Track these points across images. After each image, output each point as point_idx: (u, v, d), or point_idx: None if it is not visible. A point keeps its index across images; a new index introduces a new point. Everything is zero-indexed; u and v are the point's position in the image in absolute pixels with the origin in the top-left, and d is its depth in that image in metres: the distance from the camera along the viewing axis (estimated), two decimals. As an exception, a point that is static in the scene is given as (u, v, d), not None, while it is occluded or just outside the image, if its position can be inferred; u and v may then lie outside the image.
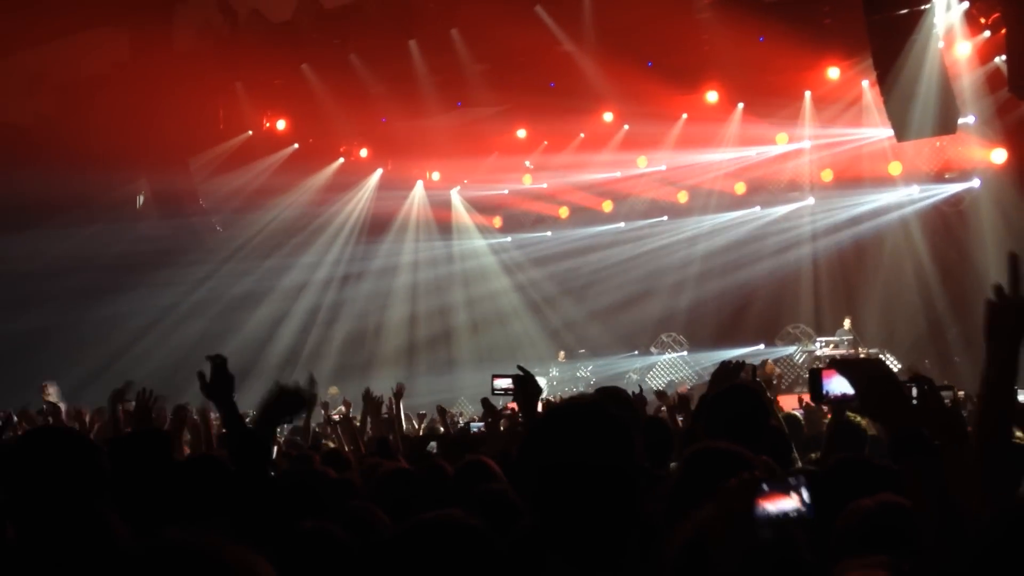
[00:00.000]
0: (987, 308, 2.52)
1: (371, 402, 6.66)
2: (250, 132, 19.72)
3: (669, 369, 21.08)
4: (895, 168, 18.58)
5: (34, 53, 17.12)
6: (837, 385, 2.75)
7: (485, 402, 6.42)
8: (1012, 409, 2.55)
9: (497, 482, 3.69)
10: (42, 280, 18.18)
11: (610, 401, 4.02)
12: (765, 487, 1.97)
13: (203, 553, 1.34)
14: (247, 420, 3.44)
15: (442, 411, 9.98)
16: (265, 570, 1.38)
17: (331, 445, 8.10)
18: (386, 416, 7.73)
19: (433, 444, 6.36)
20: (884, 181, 18.83)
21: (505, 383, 4.08)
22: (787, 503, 1.96)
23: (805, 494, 1.97)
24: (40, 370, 15.52)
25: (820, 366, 3.04)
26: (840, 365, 2.59)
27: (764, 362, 16.83)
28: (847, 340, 17.46)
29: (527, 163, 21.59)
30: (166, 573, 1.32)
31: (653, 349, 21.38)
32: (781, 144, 19.46)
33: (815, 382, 2.84)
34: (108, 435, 5.97)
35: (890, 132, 16.27)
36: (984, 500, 2.29)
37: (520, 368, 3.96)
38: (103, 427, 7.58)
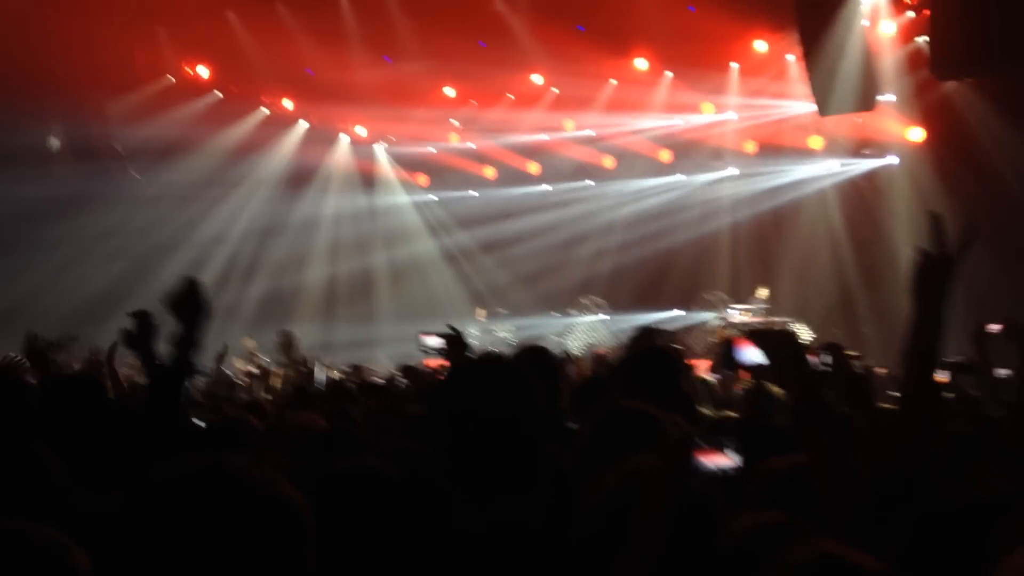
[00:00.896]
0: (914, 266, 2.51)
1: (288, 343, 6.59)
2: (171, 79, 19.22)
3: (588, 332, 21.26)
4: (816, 142, 18.94)
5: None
6: (749, 355, 2.82)
7: (407, 369, 6.41)
8: (933, 367, 2.54)
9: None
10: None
11: (533, 359, 4.10)
12: (700, 442, 2.07)
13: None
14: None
15: (357, 369, 9.96)
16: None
17: (244, 397, 8.05)
18: (304, 370, 7.69)
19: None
20: (805, 154, 19.20)
21: (435, 341, 4.13)
22: (718, 459, 2.07)
23: (734, 454, 2.07)
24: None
25: (733, 334, 3.12)
26: (754, 335, 2.66)
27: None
28: (762, 308, 17.81)
29: (454, 121, 21.47)
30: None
31: (572, 311, 21.53)
32: (707, 113, 19.69)
33: (727, 351, 2.90)
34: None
35: (813, 107, 16.56)
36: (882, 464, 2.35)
37: (450, 327, 4.01)
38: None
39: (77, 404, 3.50)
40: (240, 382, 9.56)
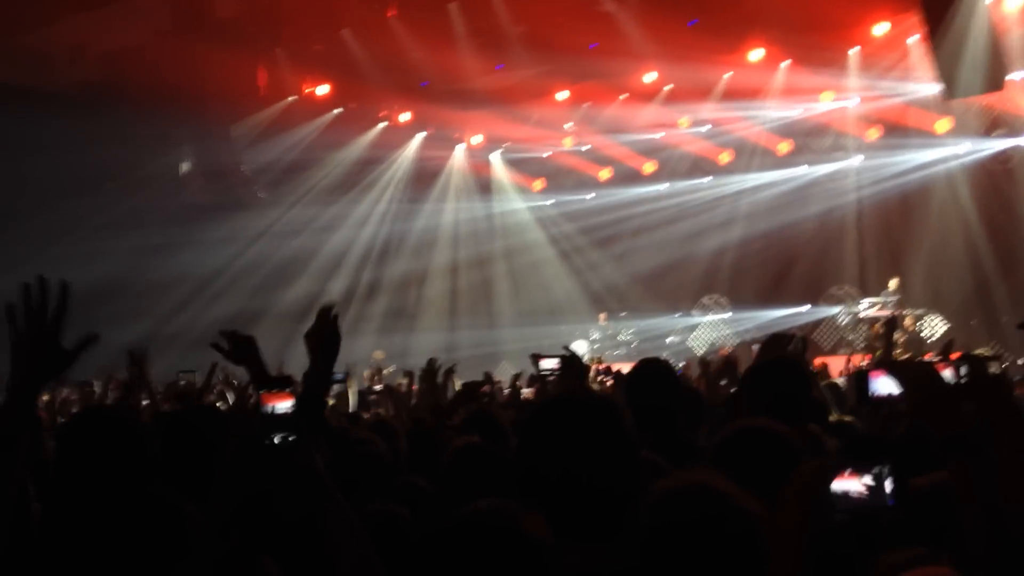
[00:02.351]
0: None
1: (428, 373, 6.62)
2: (292, 98, 19.78)
3: (711, 331, 21.00)
4: (942, 125, 18.24)
5: (77, 22, 17.25)
6: (883, 386, 2.73)
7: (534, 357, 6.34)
8: None
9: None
10: (94, 240, 18.49)
11: (651, 378, 4.06)
12: (846, 470, 1.96)
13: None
14: None
15: (489, 378, 9.98)
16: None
17: (365, 415, 8.11)
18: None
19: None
20: (932, 138, 18.50)
21: (551, 363, 4.09)
22: (862, 488, 1.95)
23: (888, 482, 1.95)
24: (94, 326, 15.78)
25: (867, 367, 3.00)
26: (889, 366, 2.57)
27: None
28: (893, 301, 17.25)
29: (568, 125, 21.47)
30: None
31: (695, 311, 21.28)
32: (826, 102, 19.19)
33: (861, 383, 2.81)
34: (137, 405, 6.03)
35: (937, 88, 15.98)
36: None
37: (565, 348, 4.00)
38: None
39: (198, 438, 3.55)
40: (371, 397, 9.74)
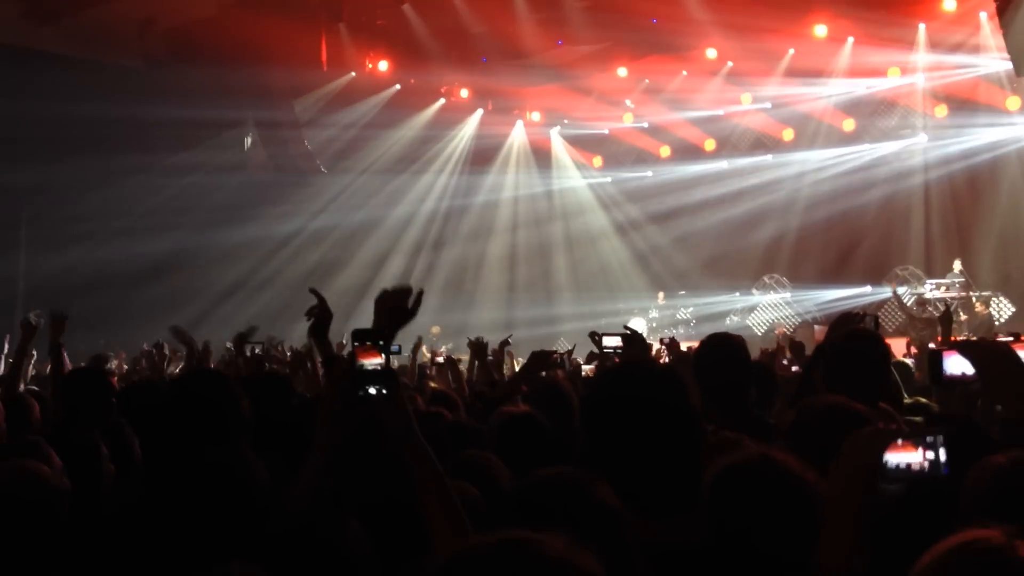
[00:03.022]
0: None
1: (477, 348, 6.70)
2: (353, 73, 19.90)
3: (771, 310, 20.79)
4: (1013, 103, 17.81)
5: (143, -2, 17.51)
6: (956, 365, 2.70)
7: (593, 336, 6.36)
8: None
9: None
10: (160, 214, 18.85)
11: (721, 354, 4.03)
12: (899, 440, 1.93)
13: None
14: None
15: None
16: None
17: (433, 385, 8.22)
18: (491, 359, 7.77)
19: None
20: (1002, 115, 18.06)
21: (614, 342, 4.10)
22: (919, 458, 1.92)
23: (942, 451, 1.93)
24: (163, 298, 16.23)
25: (940, 348, 2.95)
26: (963, 346, 2.54)
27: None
28: (958, 283, 16.93)
29: (628, 102, 21.33)
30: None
31: (755, 290, 21.08)
32: (893, 78, 18.82)
33: (935, 363, 2.77)
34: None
35: (1008, 66, 15.60)
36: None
37: (626, 328, 4.01)
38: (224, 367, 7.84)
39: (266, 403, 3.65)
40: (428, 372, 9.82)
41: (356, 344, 2.42)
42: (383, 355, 2.40)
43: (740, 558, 2.02)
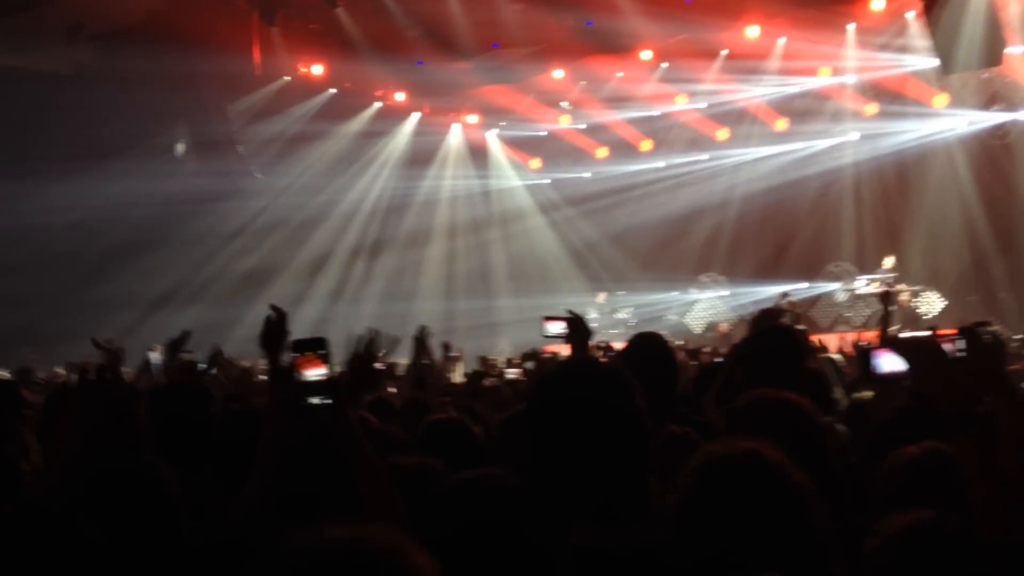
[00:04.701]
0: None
1: (419, 342, 6.56)
2: (287, 78, 19.71)
3: (709, 309, 21.02)
4: (940, 100, 18.21)
5: (72, 2, 17.15)
6: (887, 363, 2.74)
7: (531, 354, 6.36)
8: None
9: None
10: (85, 231, 18.46)
11: (649, 352, 4.07)
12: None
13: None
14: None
15: (483, 361, 10.00)
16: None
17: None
18: (427, 363, 7.66)
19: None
20: (929, 113, 18.46)
21: (558, 328, 4.09)
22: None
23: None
24: (88, 318, 15.83)
25: (868, 345, 3.02)
26: (893, 342, 2.58)
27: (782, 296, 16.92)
28: (890, 278, 17.26)
29: (564, 104, 21.41)
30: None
31: (693, 288, 21.29)
32: (823, 77, 19.13)
33: (865, 361, 2.82)
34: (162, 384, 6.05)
35: (934, 63, 15.94)
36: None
37: (569, 312, 4.03)
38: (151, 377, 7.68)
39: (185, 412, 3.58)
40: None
41: (296, 354, 2.39)
42: (325, 364, 2.38)
43: (710, 558, 1.95)
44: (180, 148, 20.35)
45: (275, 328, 3.03)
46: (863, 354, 2.86)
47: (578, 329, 4.00)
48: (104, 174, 18.08)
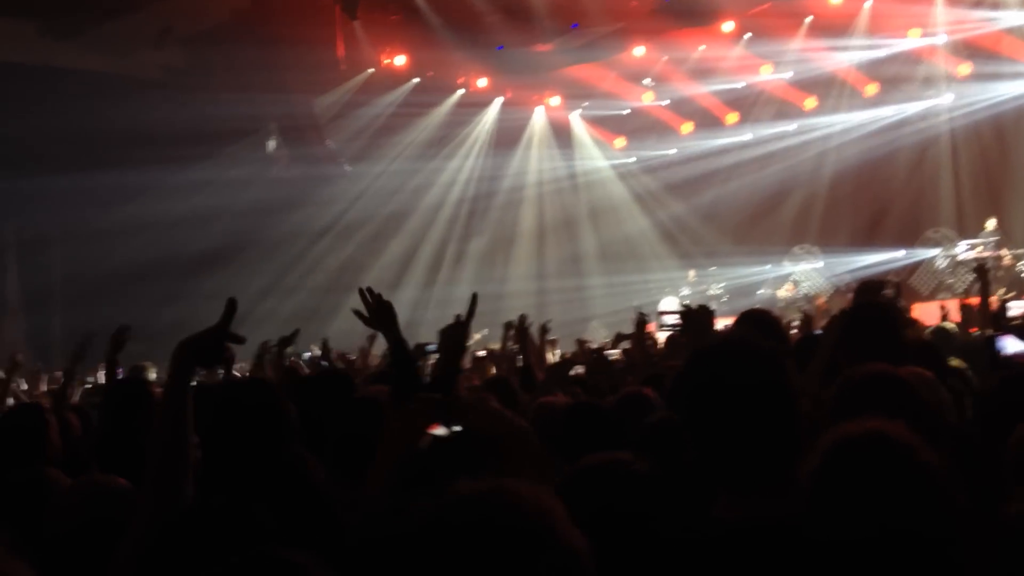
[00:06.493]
0: None
1: (521, 332, 6.58)
2: (371, 70, 19.95)
3: (804, 281, 20.63)
4: (1039, 54, 17.54)
5: (159, 7, 17.59)
6: (1011, 345, 2.70)
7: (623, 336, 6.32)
8: None
9: (659, 412, 3.68)
10: (186, 227, 18.97)
11: (757, 326, 4.04)
12: None
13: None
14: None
15: (580, 343, 9.93)
16: None
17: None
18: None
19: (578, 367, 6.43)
20: (1025, 69, 17.79)
21: (674, 318, 4.18)
22: None
23: None
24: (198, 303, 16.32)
25: (994, 334, 2.94)
26: (1019, 329, 2.52)
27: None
28: (992, 241, 16.72)
29: (646, 81, 21.20)
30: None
31: (786, 261, 20.89)
32: (913, 38, 18.59)
33: (991, 347, 2.76)
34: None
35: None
36: None
37: (685, 305, 4.04)
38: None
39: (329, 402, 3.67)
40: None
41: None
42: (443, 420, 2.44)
43: (845, 537, 1.94)
44: (271, 145, 20.78)
45: (383, 305, 3.09)
46: (988, 341, 2.79)
47: (697, 321, 4.00)
48: (199, 173, 18.59)
